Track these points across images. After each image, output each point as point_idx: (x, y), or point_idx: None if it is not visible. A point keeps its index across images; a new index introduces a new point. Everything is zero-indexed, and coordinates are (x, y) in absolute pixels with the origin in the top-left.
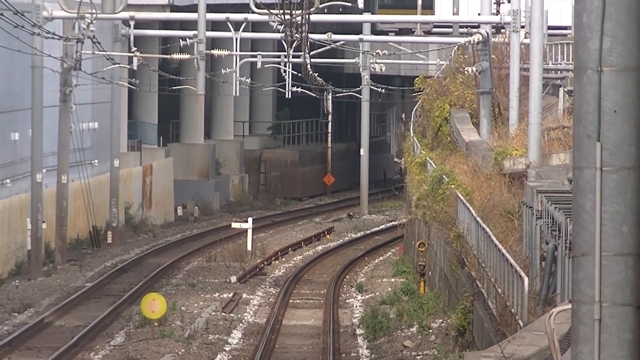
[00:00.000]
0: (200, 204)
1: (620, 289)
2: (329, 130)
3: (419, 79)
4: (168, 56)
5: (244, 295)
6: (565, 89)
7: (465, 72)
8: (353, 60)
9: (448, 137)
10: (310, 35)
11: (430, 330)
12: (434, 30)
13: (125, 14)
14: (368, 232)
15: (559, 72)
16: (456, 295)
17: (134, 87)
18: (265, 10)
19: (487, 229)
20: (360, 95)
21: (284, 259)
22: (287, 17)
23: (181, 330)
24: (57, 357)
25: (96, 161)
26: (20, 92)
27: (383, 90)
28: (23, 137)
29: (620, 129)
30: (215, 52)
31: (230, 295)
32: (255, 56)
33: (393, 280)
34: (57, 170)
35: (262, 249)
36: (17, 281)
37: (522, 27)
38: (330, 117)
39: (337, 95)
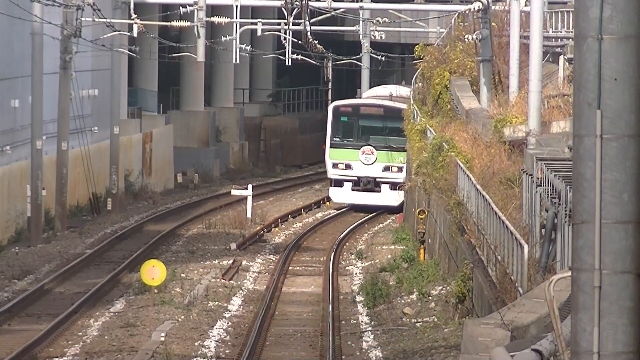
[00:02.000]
0: (200, 171)
1: (621, 257)
2: (329, 97)
3: (419, 46)
4: (168, 23)
5: (244, 263)
6: (566, 57)
7: (466, 39)
8: (353, 28)
9: (448, 104)
10: (311, 3)
11: (430, 298)
12: None
13: None
14: None
15: (559, 40)
16: (456, 263)
17: (134, 55)
18: None
19: (487, 197)
20: (361, 62)
21: (283, 226)
22: None
23: (181, 297)
24: (56, 323)
25: (96, 128)
26: (20, 60)
27: (383, 58)
28: (23, 104)
29: (621, 96)
30: (216, 19)
31: (230, 262)
32: (255, 23)
33: (393, 247)
34: (57, 137)
35: (262, 216)
36: (16, 248)
37: None
38: (330, 84)
39: (337, 62)
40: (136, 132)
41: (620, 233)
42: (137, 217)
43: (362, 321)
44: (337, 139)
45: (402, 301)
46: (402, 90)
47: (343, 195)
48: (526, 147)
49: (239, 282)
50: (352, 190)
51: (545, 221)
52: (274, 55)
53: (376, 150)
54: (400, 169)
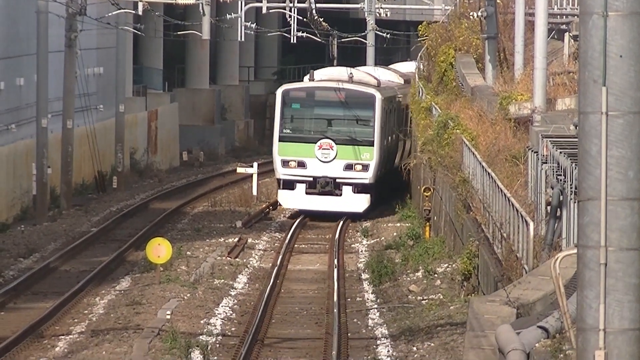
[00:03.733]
0: (205, 149)
1: (626, 234)
2: None
3: (424, 24)
4: (173, 1)
5: (250, 240)
6: (571, 34)
7: (471, 17)
8: (358, 6)
9: (453, 82)
10: None
11: (436, 275)
12: None
13: None
14: None
15: (564, 16)
16: (462, 240)
17: (139, 33)
18: None
19: (493, 174)
20: (366, 40)
21: None
22: None
23: (187, 275)
24: (62, 301)
25: (101, 106)
26: (26, 38)
27: (388, 36)
28: (28, 82)
29: (626, 73)
30: None
31: (236, 240)
32: (260, 1)
33: (398, 225)
34: (63, 116)
35: (268, 194)
36: (22, 226)
37: None
38: (335, 62)
39: (342, 40)
40: (141, 110)
41: (625, 210)
42: (142, 195)
43: (367, 299)
44: (288, 131)
45: (408, 279)
46: (360, 74)
47: (295, 200)
48: (531, 124)
49: (245, 260)
50: (307, 193)
51: (551, 198)
52: (279, 33)
53: (336, 144)
54: (365, 167)
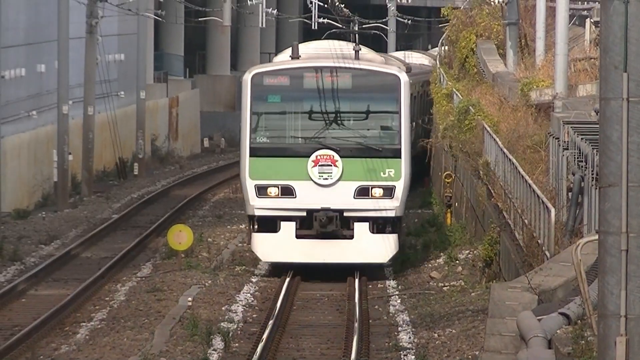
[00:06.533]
0: (226, 135)
1: None
2: None
3: (445, 9)
4: None
5: None
6: (592, 20)
7: (492, 3)
8: None
9: (474, 68)
10: None
11: (457, 262)
12: None
13: None
14: None
15: (585, 2)
16: (483, 227)
17: (160, 19)
18: None
19: (514, 160)
20: (387, 26)
21: None
22: None
23: (208, 262)
24: (83, 288)
25: (122, 93)
26: (47, 24)
27: (409, 22)
28: (49, 68)
29: None
30: None
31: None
32: None
33: (420, 211)
34: (84, 102)
35: None
36: (43, 213)
37: None
38: None
39: (363, 26)
40: (162, 96)
41: None
42: (163, 182)
43: (389, 285)
44: (264, 140)
45: (429, 265)
46: (366, 50)
47: (279, 248)
48: (553, 111)
49: None
50: (298, 237)
51: (572, 184)
52: (300, 19)
53: (341, 157)
54: (389, 191)
